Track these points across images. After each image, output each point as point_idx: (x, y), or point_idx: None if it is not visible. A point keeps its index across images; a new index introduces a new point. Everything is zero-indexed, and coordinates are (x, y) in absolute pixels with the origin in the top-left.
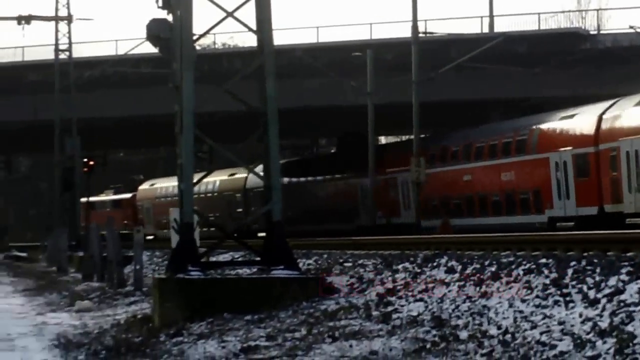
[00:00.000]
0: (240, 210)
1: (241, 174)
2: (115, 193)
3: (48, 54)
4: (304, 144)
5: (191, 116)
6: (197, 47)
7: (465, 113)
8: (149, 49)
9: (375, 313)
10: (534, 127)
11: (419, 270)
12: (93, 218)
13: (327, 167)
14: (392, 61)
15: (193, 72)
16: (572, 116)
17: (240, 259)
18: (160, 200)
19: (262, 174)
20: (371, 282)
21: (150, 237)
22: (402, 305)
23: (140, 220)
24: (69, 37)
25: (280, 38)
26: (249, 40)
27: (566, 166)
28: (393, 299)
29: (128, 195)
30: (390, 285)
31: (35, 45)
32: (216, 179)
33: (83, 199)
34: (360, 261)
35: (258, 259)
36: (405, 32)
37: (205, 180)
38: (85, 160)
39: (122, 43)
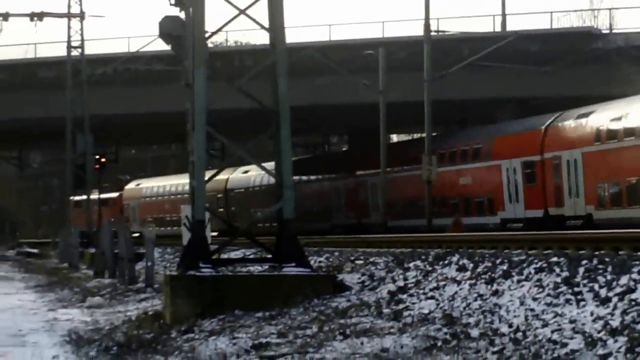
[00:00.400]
0: (221, 210)
1: (222, 175)
2: (103, 192)
3: (60, 51)
4: (316, 142)
5: (203, 114)
6: (209, 45)
7: (477, 111)
8: (162, 46)
9: (386, 310)
10: (489, 136)
11: (430, 268)
12: (79, 215)
13: (337, 165)
14: (404, 59)
15: (205, 70)
16: (521, 126)
17: (252, 256)
18: (145, 200)
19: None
20: (382, 280)
21: (136, 235)
22: (414, 303)
23: (126, 218)
24: (82, 34)
25: (293, 36)
26: (261, 38)
27: (515, 172)
28: (404, 296)
29: (115, 195)
30: (401, 283)
31: (47, 42)
32: None
33: (72, 197)
34: (372, 259)
35: (269, 256)
36: (417, 30)
37: (186, 180)
38: (97, 157)
39: (135, 40)
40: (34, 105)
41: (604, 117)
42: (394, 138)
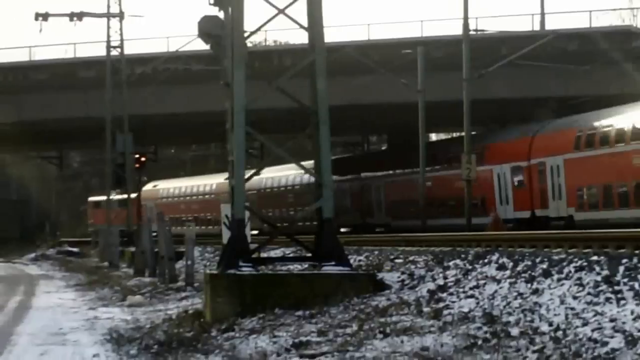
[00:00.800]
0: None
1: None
2: (121, 193)
3: (100, 51)
4: (355, 141)
5: (242, 113)
6: (248, 44)
7: (516, 110)
8: (201, 46)
9: (426, 309)
10: (484, 142)
11: (470, 267)
12: (100, 216)
13: (377, 164)
14: (443, 58)
15: (244, 69)
16: (512, 134)
17: (291, 255)
18: (162, 201)
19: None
20: (422, 279)
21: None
22: (454, 302)
23: (144, 218)
24: (121, 34)
25: (332, 35)
26: (300, 38)
27: (505, 177)
28: (444, 295)
29: (133, 195)
30: (441, 282)
31: (87, 42)
32: (213, 182)
33: (91, 198)
34: (411, 258)
35: (309, 254)
36: (456, 29)
37: (200, 182)
38: (137, 156)
39: (174, 40)
40: (74, 105)
41: (583, 126)
42: (433, 137)
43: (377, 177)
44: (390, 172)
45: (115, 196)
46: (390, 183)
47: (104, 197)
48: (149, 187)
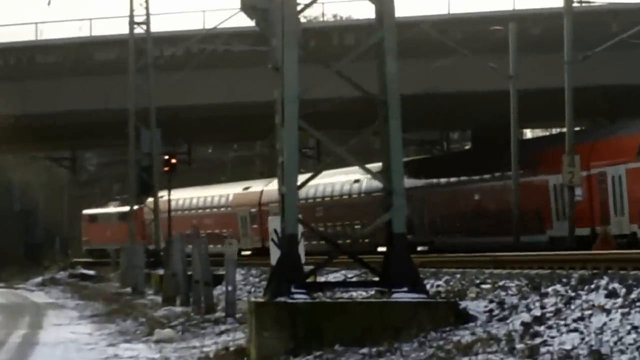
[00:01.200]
0: (255, 226)
1: (256, 188)
2: (121, 205)
3: (121, 28)
4: (432, 139)
5: (295, 104)
6: (302, 20)
7: (630, 100)
8: (244, 21)
9: (519, 346)
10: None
11: (573, 294)
12: (94, 232)
13: (460, 167)
14: (540, 37)
15: (297, 51)
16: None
17: (354, 279)
18: (165, 215)
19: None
20: (514, 308)
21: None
22: (553, 337)
23: (148, 235)
24: (147, 8)
25: (404, 8)
26: (365, 11)
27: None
28: (541, 328)
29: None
30: (537, 312)
31: (105, 17)
32: (229, 192)
33: (85, 211)
34: (501, 282)
35: (376, 279)
36: (555, 1)
37: (214, 193)
38: (166, 157)
39: (211, 15)
40: (89, 95)
41: None
42: (528, 133)
43: (420, 188)
44: (434, 180)
45: (113, 208)
46: (433, 194)
47: (100, 210)
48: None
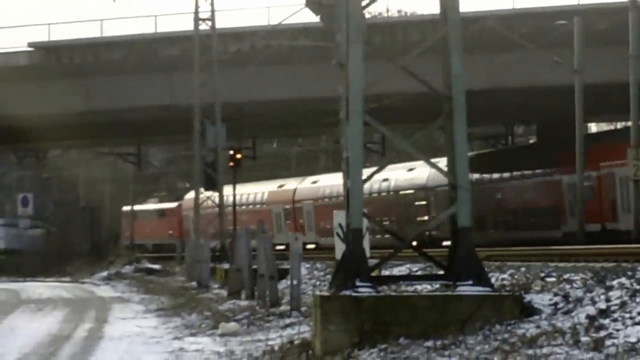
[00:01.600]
0: (289, 222)
1: (290, 186)
2: (160, 202)
3: (186, 25)
4: (497, 133)
5: (360, 99)
6: (367, 16)
7: None
8: (309, 17)
9: (584, 339)
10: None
11: (638, 287)
12: (137, 229)
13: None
14: (605, 31)
15: (362, 46)
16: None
17: (419, 273)
18: (207, 211)
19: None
20: (580, 301)
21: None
22: (618, 330)
23: (186, 230)
24: (212, 4)
25: (468, 3)
26: (430, 7)
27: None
28: (607, 321)
29: (173, 205)
30: (603, 305)
31: (170, 13)
32: (264, 189)
33: (125, 208)
34: (566, 275)
35: (441, 272)
36: None
37: (249, 190)
38: (231, 152)
39: (276, 10)
40: (154, 91)
41: None
42: (593, 128)
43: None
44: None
45: (152, 205)
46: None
47: (141, 207)
48: (190, 195)
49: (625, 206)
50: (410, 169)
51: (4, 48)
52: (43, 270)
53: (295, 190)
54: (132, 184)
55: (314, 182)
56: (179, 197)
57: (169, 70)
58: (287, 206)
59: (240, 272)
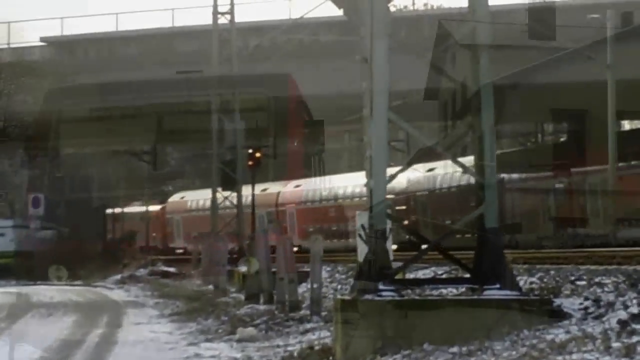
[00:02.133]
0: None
1: (273, 190)
2: (142, 205)
3: (204, 18)
4: (526, 131)
5: (384, 96)
6: (392, 8)
7: None
8: (332, 10)
9: (616, 344)
10: None
11: None
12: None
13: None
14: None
15: (386, 41)
16: None
17: (444, 276)
18: (191, 214)
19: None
20: (611, 306)
21: (180, 251)
22: None
23: (169, 233)
24: None
25: None
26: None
27: None
28: (639, 326)
29: (157, 208)
30: (635, 310)
31: (187, 7)
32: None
33: (108, 210)
34: (597, 279)
35: (467, 275)
36: None
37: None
38: (250, 151)
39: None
40: (172, 86)
41: None
42: (626, 125)
43: None
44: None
45: (135, 208)
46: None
47: (125, 209)
48: (175, 198)
49: None
50: (297, 186)
51: (16, 43)
52: (54, 272)
53: (278, 193)
54: (147, 184)
55: (297, 187)
56: (162, 200)
57: (185, 64)
58: (270, 209)
59: (258, 275)
